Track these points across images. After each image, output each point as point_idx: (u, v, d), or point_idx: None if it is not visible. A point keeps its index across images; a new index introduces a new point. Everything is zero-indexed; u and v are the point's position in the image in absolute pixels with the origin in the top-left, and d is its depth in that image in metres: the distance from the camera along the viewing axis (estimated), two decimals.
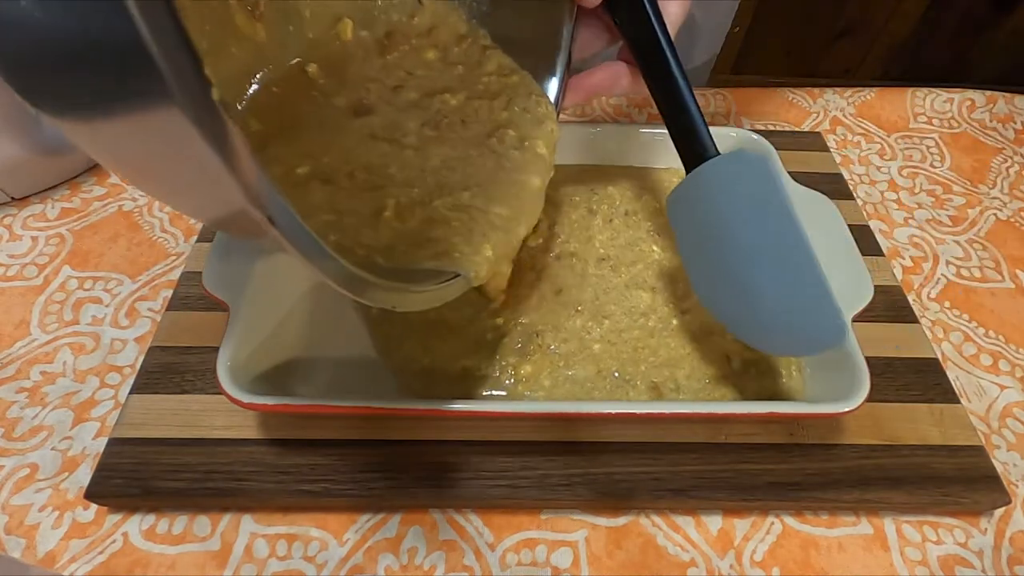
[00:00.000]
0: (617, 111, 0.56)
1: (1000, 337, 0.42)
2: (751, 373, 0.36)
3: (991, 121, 0.58)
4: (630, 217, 0.44)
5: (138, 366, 0.36)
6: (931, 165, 0.53)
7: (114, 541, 0.31)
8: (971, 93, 0.59)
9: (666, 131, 0.48)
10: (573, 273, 0.40)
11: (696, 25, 0.61)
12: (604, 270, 0.40)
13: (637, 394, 0.35)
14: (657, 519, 0.33)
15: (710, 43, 0.64)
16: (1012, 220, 0.49)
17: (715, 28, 0.64)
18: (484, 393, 0.35)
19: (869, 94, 0.59)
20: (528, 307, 0.38)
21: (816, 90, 0.59)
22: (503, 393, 0.35)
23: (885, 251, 0.45)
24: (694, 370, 0.36)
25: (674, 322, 0.38)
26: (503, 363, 0.36)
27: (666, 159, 0.47)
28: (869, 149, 0.54)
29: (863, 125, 0.57)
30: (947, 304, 0.43)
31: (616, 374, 0.36)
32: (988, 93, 0.59)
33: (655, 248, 0.42)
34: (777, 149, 0.44)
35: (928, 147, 0.55)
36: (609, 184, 0.46)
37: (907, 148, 0.55)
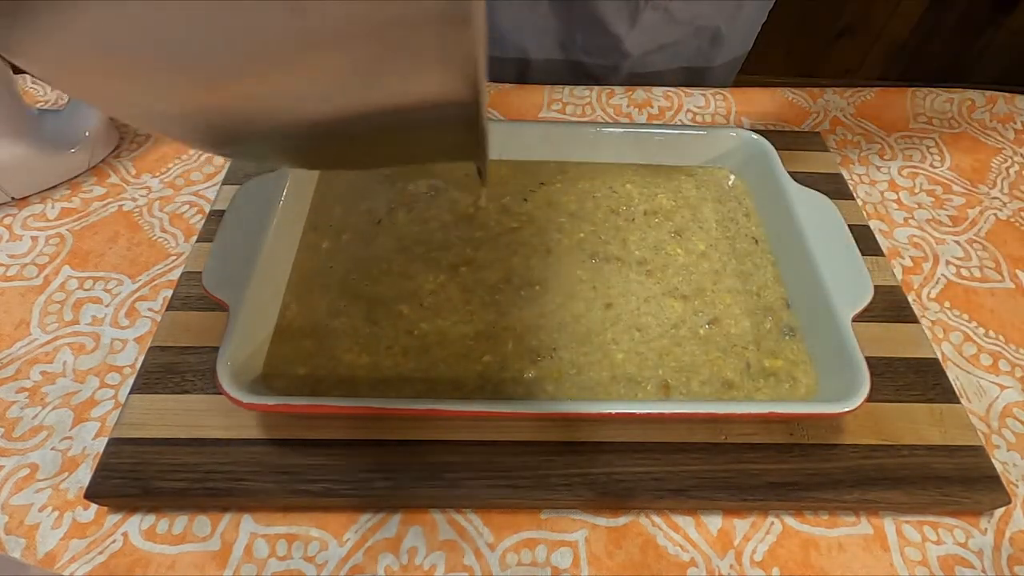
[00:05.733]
0: (617, 111, 0.56)
1: (1000, 337, 0.42)
2: (769, 382, 0.36)
3: (991, 121, 0.58)
4: (650, 217, 0.44)
5: (138, 366, 0.36)
6: (931, 165, 0.53)
7: (114, 541, 0.31)
8: (971, 93, 0.59)
9: (669, 131, 0.49)
10: (620, 279, 0.40)
11: (721, 35, 0.62)
12: (642, 275, 0.40)
13: (645, 394, 0.35)
14: (657, 519, 0.33)
15: (735, 48, 0.65)
16: (1012, 220, 0.49)
17: (741, 35, 0.64)
18: (487, 394, 0.35)
19: (869, 94, 0.59)
20: (577, 315, 0.38)
21: (816, 90, 0.59)
22: (506, 393, 0.35)
23: (885, 251, 0.45)
24: (712, 376, 0.36)
25: (701, 332, 0.38)
26: (514, 366, 0.36)
27: (671, 157, 0.47)
28: (869, 149, 0.54)
29: (863, 125, 0.57)
30: (947, 304, 0.43)
31: (629, 377, 0.36)
32: (988, 93, 0.59)
33: (679, 251, 0.42)
34: (777, 149, 0.44)
35: (928, 147, 0.55)
36: (627, 182, 0.46)
37: (907, 148, 0.55)
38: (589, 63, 0.64)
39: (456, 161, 0.32)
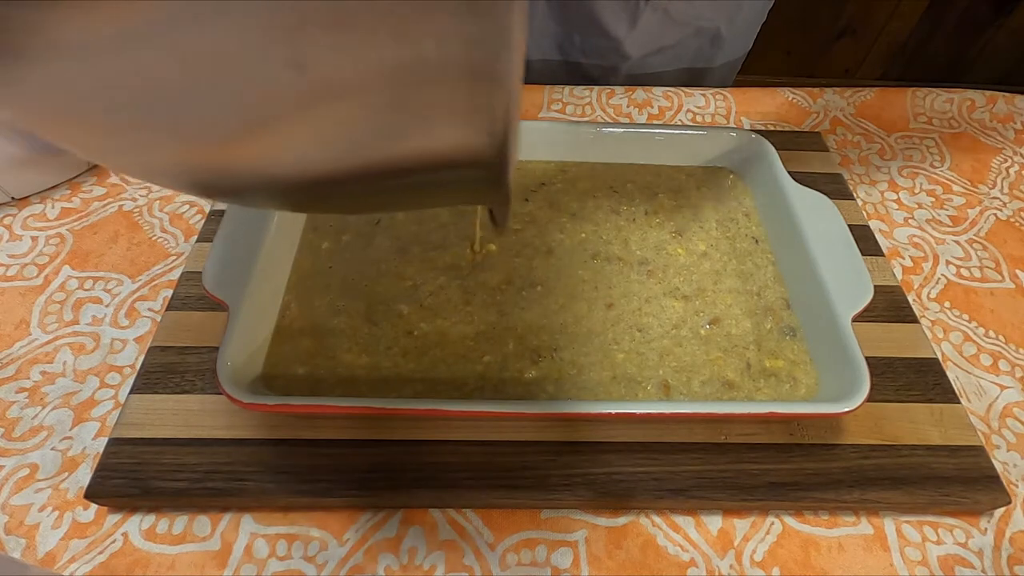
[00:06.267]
0: (617, 111, 0.56)
1: (1000, 337, 0.42)
2: (770, 382, 0.36)
3: (991, 121, 0.58)
4: (651, 217, 0.44)
5: (138, 366, 0.36)
6: (931, 165, 0.53)
7: (114, 541, 0.31)
8: (971, 93, 0.59)
9: (670, 130, 0.49)
10: (622, 279, 0.40)
11: (721, 36, 0.62)
12: (643, 276, 0.40)
13: (645, 394, 0.35)
14: (657, 519, 0.33)
15: (735, 49, 0.65)
16: (1012, 220, 0.49)
17: (741, 36, 0.65)
18: (487, 394, 0.35)
19: (869, 94, 0.59)
20: (578, 316, 0.38)
21: (816, 90, 0.59)
22: (506, 394, 0.35)
23: (885, 251, 0.45)
24: (712, 376, 0.36)
25: (702, 332, 0.38)
26: (514, 367, 0.36)
27: (671, 157, 0.47)
28: (869, 149, 0.54)
29: (863, 125, 0.57)
30: (947, 304, 0.43)
31: (630, 377, 0.36)
32: (988, 93, 0.59)
33: (680, 251, 0.42)
34: (777, 149, 0.44)
35: (928, 147, 0.55)
36: (627, 182, 0.46)
37: (907, 148, 0.55)
38: (588, 65, 0.64)
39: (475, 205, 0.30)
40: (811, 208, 0.40)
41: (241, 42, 0.11)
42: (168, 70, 0.12)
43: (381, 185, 0.16)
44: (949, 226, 0.49)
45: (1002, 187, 0.52)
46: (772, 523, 0.33)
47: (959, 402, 0.36)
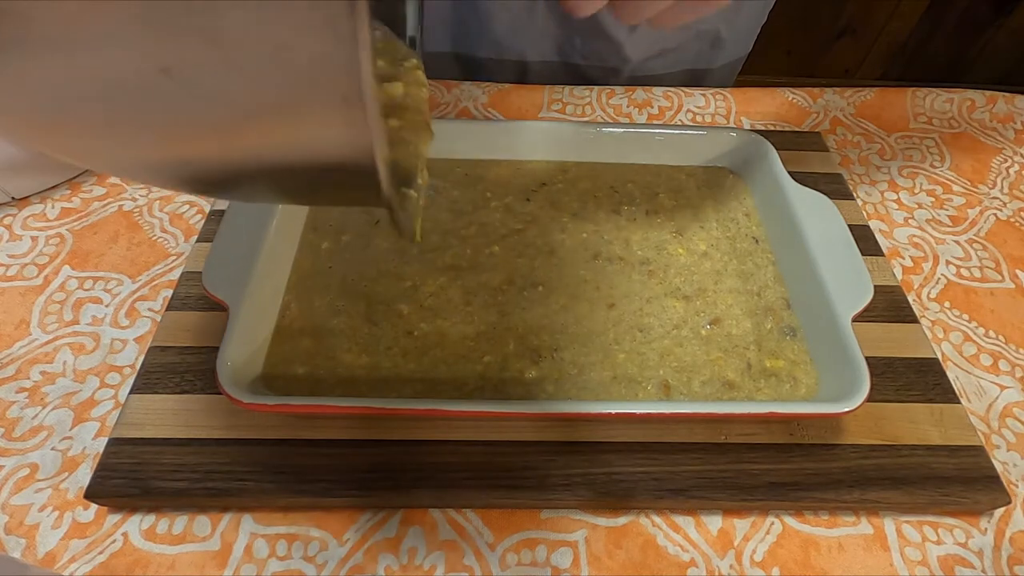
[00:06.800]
0: (617, 111, 0.56)
1: (1000, 337, 0.42)
2: (770, 382, 0.36)
3: (991, 121, 0.58)
4: (652, 217, 0.44)
5: (138, 366, 0.36)
6: (931, 165, 0.53)
7: (114, 541, 0.31)
8: (971, 93, 0.59)
9: (670, 130, 0.48)
10: (623, 279, 0.40)
11: (720, 38, 0.62)
12: (644, 276, 0.40)
13: (646, 394, 0.35)
14: (657, 519, 0.33)
15: (735, 51, 0.65)
16: (1012, 220, 0.49)
17: (741, 38, 0.65)
18: (487, 394, 0.35)
19: (869, 94, 0.59)
20: (580, 316, 0.38)
21: (816, 90, 0.59)
22: (507, 394, 0.35)
23: (885, 251, 0.45)
24: (713, 376, 0.36)
25: (702, 332, 0.38)
26: (514, 367, 0.36)
27: (671, 157, 0.47)
28: (869, 149, 0.55)
29: (863, 125, 0.57)
30: (947, 304, 0.43)
31: (630, 378, 0.36)
32: (988, 93, 0.59)
33: (681, 251, 0.42)
34: (777, 149, 0.44)
35: (928, 147, 0.55)
36: (628, 182, 0.46)
37: (907, 148, 0.55)
38: (589, 68, 0.64)
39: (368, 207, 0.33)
40: (811, 208, 0.40)
41: (127, 55, 0.13)
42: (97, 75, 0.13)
43: (282, 182, 0.18)
44: (949, 226, 0.49)
45: (1002, 187, 0.52)
46: (772, 523, 0.33)
47: (959, 402, 0.37)
